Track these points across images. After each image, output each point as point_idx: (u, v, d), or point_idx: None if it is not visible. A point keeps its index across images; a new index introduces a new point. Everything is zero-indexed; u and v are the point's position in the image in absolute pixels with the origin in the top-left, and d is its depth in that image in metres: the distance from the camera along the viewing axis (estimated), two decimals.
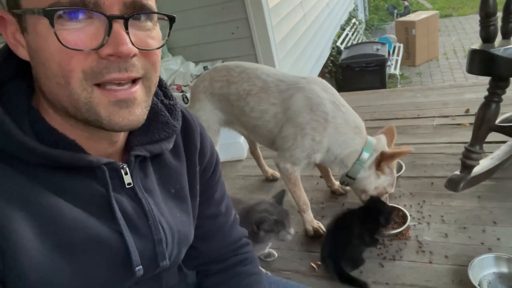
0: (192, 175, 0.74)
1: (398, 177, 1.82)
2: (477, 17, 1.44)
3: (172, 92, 0.72)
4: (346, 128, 1.48)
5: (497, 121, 1.57)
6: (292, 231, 1.35)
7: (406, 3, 8.64)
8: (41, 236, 0.50)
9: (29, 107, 0.55)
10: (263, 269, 1.26)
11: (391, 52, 5.50)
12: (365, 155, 1.49)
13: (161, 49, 0.55)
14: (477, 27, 1.48)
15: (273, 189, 2.05)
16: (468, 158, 1.57)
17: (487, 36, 1.42)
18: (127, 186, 0.61)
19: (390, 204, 1.53)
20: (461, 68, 5.32)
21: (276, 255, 1.56)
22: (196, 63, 2.86)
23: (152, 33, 0.54)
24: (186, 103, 2.39)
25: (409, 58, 5.94)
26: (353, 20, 6.59)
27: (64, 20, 0.47)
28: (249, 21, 2.68)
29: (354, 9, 7.14)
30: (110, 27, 0.48)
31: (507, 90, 1.49)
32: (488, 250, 1.36)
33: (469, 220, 1.54)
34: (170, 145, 0.67)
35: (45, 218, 0.51)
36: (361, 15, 7.86)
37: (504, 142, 1.83)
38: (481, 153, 1.56)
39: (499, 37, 1.43)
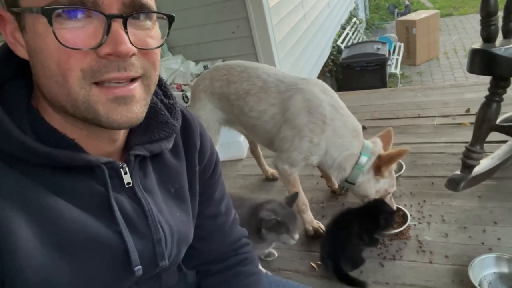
0: (191, 175, 0.74)
1: (398, 176, 1.82)
2: (477, 17, 1.44)
3: (172, 91, 0.71)
4: (344, 130, 1.47)
5: (497, 121, 1.56)
6: (296, 236, 1.30)
7: (406, 2, 8.63)
8: (40, 236, 0.50)
9: (28, 107, 0.55)
10: (263, 269, 1.26)
11: (391, 51, 5.49)
12: (364, 158, 1.48)
13: (160, 48, 0.55)
14: (477, 27, 1.47)
15: (273, 189, 2.05)
16: (468, 158, 1.57)
17: (488, 36, 1.42)
18: (127, 186, 0.61)
19: (391, 205, 1.52)
20: (461, 68, 5.32)
21: (276, 254, 1.56)
22: (196, 62, 2.86)
23: (151, 32, 0.53)
24: (186, 102, 2.39)
25: (409, 58, 5.94)
26: (354, 19, 6.59)
27: (62, 19, 0.47)
28: (250, 20, 2.68)
29: (354, 8, 7.14)
30: (109, 26, 0.48)
31: (508, 89, 1.49)
32: (489, 250, 1.36)
33: (469, 220, 1.54)
34: (169, 144, 0.67)
35: (45, 218, 0.50)
36: (361, 14, 7.86)
37: (504, 141, 1.82)
38: (481, 152, 1.56)
39: (500, 37, 1.43)
